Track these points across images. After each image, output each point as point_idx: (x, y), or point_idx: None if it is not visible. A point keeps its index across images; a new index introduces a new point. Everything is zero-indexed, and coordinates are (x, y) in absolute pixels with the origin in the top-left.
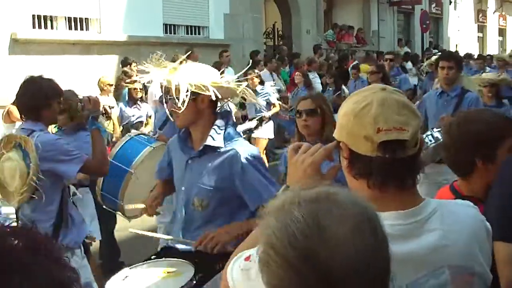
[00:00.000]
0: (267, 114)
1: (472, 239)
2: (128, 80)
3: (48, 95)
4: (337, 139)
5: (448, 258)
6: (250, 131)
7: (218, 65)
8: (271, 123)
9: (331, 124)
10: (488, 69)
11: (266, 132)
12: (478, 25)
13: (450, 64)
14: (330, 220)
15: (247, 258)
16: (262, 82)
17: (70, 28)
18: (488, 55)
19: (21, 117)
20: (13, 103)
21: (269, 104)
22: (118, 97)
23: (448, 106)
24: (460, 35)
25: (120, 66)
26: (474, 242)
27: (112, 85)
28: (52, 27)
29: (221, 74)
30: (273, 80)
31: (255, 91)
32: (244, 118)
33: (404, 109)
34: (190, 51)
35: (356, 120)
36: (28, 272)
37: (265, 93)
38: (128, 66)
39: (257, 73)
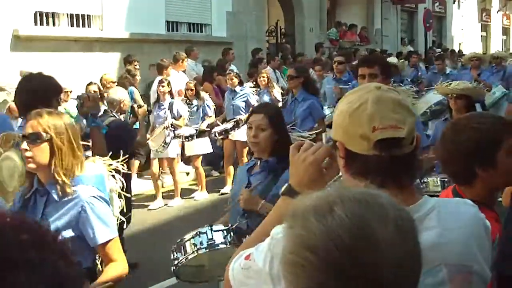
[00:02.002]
0: (243, 117)
1: (471, 237)
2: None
3: (48, 93)
4: (333, 139)
5: (445, 256)
6: (226, 132)
7: (222, 63)
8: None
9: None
10: (448, 69)
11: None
12: (481, 24)
13: (371, 71)
14: (376, 223)
15: (247, 257)
16: (241, 83)
17: (72, 25)
18: (453, 51)
19: (19, 114)
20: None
21: (248, 106)
22: None
23: None
24: (464, 34)
25: (123, 63)
26: (472, 240)
27: (114, 82)
28: (54, 24)
29: (226, 71)
30: (276, 78)
31: (234, 91)
32: (223, 122)
33: (400, 107)
34: (191, 49)
35: (351, 119)
36: (35, 268)
37: (244, 94)
38: (131, 64)
39: (236, 72)
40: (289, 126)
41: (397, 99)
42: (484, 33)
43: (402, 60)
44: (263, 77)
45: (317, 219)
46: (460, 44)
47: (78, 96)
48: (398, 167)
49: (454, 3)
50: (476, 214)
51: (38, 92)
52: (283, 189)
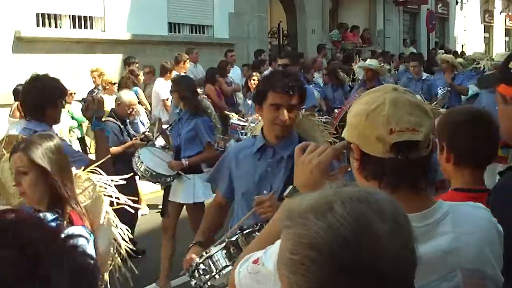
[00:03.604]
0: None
1: (484, 241)
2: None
3: (55, 94)
4: (348, 140)
5: (461, 261)
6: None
7: (224, 64)
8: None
9: None
10: (424, 75)
11: None
12: (484, 25)
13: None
14: (376, 220)
15: (256, 261)
16: None
17: (74, 26)
18: (455, 52)
19: (25, 116)
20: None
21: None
22: None
23: None
24: (466, 35)
25: (124, 65)
26: (486, 244)
27: (115, 83)
28: (56, 26)
29: (227, 73)
30: None
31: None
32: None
33: (417, 109)
34: (192, 50)
35: (368, 121)
36: (56, 260)
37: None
38: (132, 65)
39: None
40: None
41: (414, 101)
42: (487, 34)
43: (381, 65)
44: (254, 80)
45: (317, 218)
46: (462, 45)
47: (83, 98)
48: (414, 170)
49: (456, 4)
50: (489, 218)
51: (45, 93)
52: (287, 191)
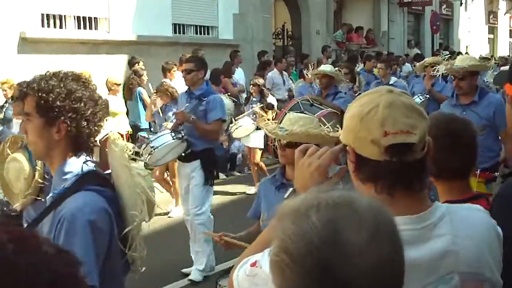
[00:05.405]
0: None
1: (483, 244)
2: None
3: None
4: (344, 143)
5: (458, 264)
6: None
7: (228, 65)
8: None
9: None
10: (392, 79)
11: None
12: (488, 26)
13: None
14: (349, 229)
15: (253, 264)
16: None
17: (79, 27)
18: (460, 53)
19: None
20: None
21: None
22: (130, 97)
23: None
24: (471, 37)
25: (128, 65)
26: (484, 247)
27: (119, 84)
28: (61, 26)
29: (232, 74)
30: (283, 80)
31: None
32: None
33: (412, 111)
34: (198, 52)
35: (362, 123)
36: (54, 269)
37: None
38: (137, 65)
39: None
40: None
41: (409, 103)
42: (491, 35)
43: (336, 69)
44: (255, 85)
45: (293, 223)
46: (467, 46)
47: None
48: (409, 173)
49: (461, 5)
50: (488, 220)
51: None
52: (287, 193)
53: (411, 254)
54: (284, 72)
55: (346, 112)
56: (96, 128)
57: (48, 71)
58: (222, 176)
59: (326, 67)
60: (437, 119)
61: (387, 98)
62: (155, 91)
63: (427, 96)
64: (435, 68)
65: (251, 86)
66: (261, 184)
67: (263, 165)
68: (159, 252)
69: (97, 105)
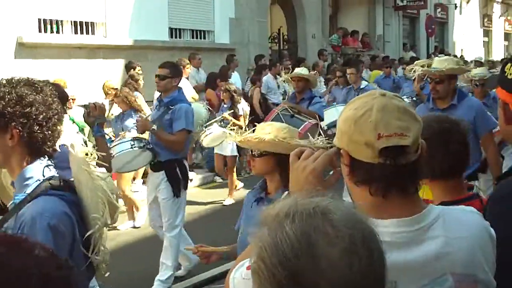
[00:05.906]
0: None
1: (476, 246)
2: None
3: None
4: (337, 146)
5: (452, 266)
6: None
7: (225, 69)
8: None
9: None
10: (363, 83)
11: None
12: (483, 29)
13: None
14: (322, 241)
15: (249, 267)
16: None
17: (76, 32)
18: (455, 56)
19: None
20: None
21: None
22: None
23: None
24: (466, 40)
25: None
26: (477, 249)
27: (116, 89)
28: (58, 31)
29: (228, 78)
30: (277, 85)
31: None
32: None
33: (405, 114)
34: (195, 56)
35: (356, 126)
36: (45, 272)
37: None
38: (133, 70)
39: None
40: None
41: (402, 106)
42: (486, 39)
43: (314, 72)
44: (226, 91)
45: (268, 232)
46: (462, 49)
47: (85, 105)
48: (402, 175)
49: (456, 8)
50: (481, 222)
51: None
52: (282, 197)
53: (405, 256)
54: (279, 76)
55: (340, 116)
56: (50, 132)
57: (2, 78)
58: (218, 179)
59: (302, 70)
60: (429, 119)
61: (380, 101)
62: (112, 98)
63: (414, 98)
64: (412, 69)
65: (222, 92)
66: (247, 195)
67: (235, 178)
68: (140, 260)
69: (50, 110)
